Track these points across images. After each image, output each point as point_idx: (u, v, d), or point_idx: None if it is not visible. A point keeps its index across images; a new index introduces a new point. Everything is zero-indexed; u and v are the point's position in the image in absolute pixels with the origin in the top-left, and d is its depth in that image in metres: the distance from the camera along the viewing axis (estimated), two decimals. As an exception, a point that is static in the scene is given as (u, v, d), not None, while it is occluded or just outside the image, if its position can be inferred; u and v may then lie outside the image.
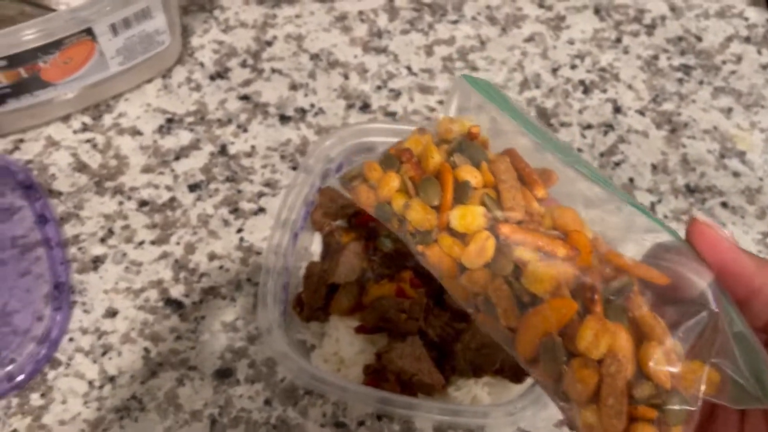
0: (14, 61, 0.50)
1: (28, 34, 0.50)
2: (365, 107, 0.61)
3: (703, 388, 0.22)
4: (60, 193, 0.55)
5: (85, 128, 0.59)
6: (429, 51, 0.65)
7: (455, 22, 0.67)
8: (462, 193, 0.26)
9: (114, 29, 0.53)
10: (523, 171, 0.27)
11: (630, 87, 0.64)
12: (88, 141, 0.58)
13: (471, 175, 0.26)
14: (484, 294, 0.25)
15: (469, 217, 0.25)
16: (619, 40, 0.67)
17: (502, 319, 0.24)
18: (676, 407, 0.22)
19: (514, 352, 0.25)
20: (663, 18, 0.69)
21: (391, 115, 0.60)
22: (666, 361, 0.22)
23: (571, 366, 0.23)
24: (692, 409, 0.22)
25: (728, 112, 0.62)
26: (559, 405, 0.24)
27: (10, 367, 0.48)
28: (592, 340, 0.22)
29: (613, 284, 0.23)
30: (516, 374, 0.46)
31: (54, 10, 0.60)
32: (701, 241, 0.24)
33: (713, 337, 0.23)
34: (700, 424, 0.23)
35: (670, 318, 0.23)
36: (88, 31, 0.51)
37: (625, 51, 0.66)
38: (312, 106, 0.61)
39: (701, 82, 0.64)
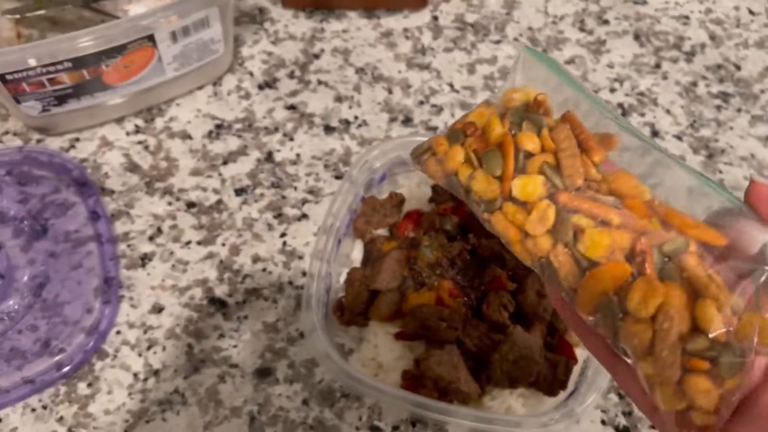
0: (79, 63, 0.53)
1: (92, 40, 0.52)
2: (407, 121, 0.63)
3: (755, 339, 0.23)
4: (112, 192, 0.57)
5: (137, 130, 0.61)
6: (471, 69, 0.66)
7: (497, 42, 0.69)
8: (522, 162, 0.27)
9: (174, 36, 0.55)
10: (582, 137, 0.28)
11: (668, 112, 0.65)
12: (140, 143, 0.60)
13: (531, 143, 0.28)
14: (546, 258, 0.26)
15: (530, 186, 0.27)
16: (658, 66, 0.68)
17: (564, 282, 0.26)
18: (729, 359, 0.23)
19: (576, 310, 0.26)
20: (702, 46, 0.70)
21: (433, 129, 0.62)
22: (720, 316, 0.24)
23: (626, 322, 0.24)
24: (745, 360, 0.23)
25: (765, 140, 0.63)
26: (621, 356, 0.26)
27: (59, 357, 0.49)
28: (641, 301, 0.24)
29: (666, 246, 0.25)
30: (550, 387, 0.46)
31: (113, 17, 0.62)
32: (758, 200, 0.25)
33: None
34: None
35: (729, 274, 0.24)
36: (150, 38, 0.54)
37: (664, 77, 0.67)
38: (356, 118, 0.62)
39: (739, 110, 0.65)
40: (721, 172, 0.61)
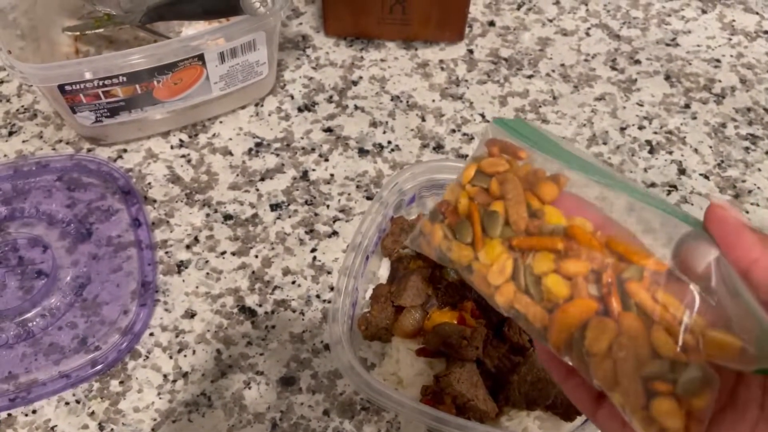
0: (133, 78, 0.56)
1: (140, 57, 0.55)
2: (438, 148, 0.65)
3: (703, 353, 0.25)
4: (154, 201, 0.60)
5: (181, 144, 0.64)
6: (503, 101, 0.69)
7: (530, 76, 0.71)
8: (489, 222, 0.30)
9: (222, 57, 0.58)
10: (532, 177, 0.30)
11: (696, 151, 0.66)
12: (183, 156, 0.63)
13: (485, 199, 0.30)
14: (513, 306, 0.28)
15: (491, 252, 0.29)
16: (687, 106, 0.69)
17: (534, 324, 0.28)
18: (687, 377, 0.25)
19: (552, 349, 0.28)
20: (732, 89, 0.71)
21: (463, 157, 0.64)
22: (669, 338, 0.25)
23: (591, 358, 0.26)
24: (703, 375, 0.24)
25: (793, 183, 0.64)
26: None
27: (94, 354, 0.52)
28: (594, 337, 0.26)
29: (624, 274, 0.27)
30: (567, 412, 0.47)
31: (165, 38, 0.66)
32: (711, 221, 0.26)
33: (717, 309, 0.25)
34: (728, 393, 0.26)
35: (680, 294, 0.26)
36: (200, 57, 0.57)
37: (693, 117, 0.68)
38: (389, 142, 0.65)
39: (768, 153, 0.66)
40: (747, 212, 0.62)
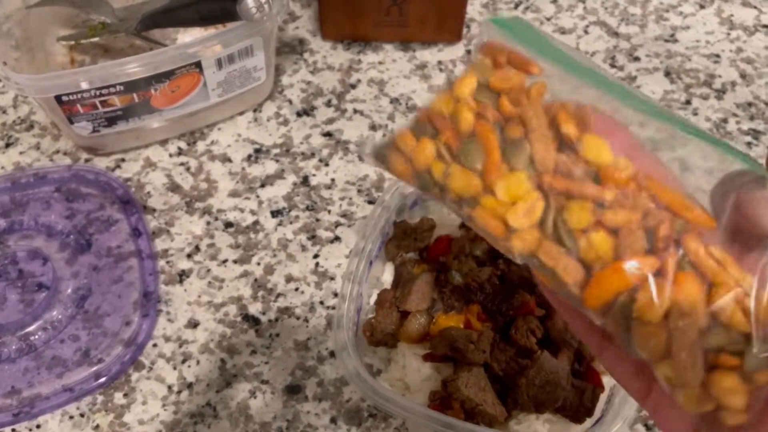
0: (130, 87, 0.55)
1: (137, 66, 0.55)
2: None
3: None
4: (154, 210, 0.60)
5: (180, 152, 0.63)
6: (503, 101, 0.68)
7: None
8: (513, 150, 0.24)
9: (219, 63, 0.58)
10: (553, 110, 0.25)
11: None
12: (182, 164, 0.63)
13: (497, 118, 0.25)
14: (537, 257, 0.24)
15: (515, 186, 0.24)
16: (688, 102, 0.69)
17: (564, 277, 0.23)
18: (757, 351, 0.21)
19: (582, 309, 0.24)
20: (733, 84, 0.71)
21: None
22: (738, 303, 0.22)
23: (637, 326, 0.22)
24: None
25: (797, 177, 0.63)
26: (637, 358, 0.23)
27: (97, 366, 0.51)
28: (647, 302, 0.22)
29: (664, 226, 0.23)
30: (577, 414, 0.47)
31: (162, 45, 0.66)
32: None
33: None
34: None
35: (744, 254, 0.22)
36: (197, 64, 0.56)
37: (695, 113, 0.68)
38: (389, 145, 0.64)
39: (770, 147, 0.65)
40: (751, 207, 0.61)
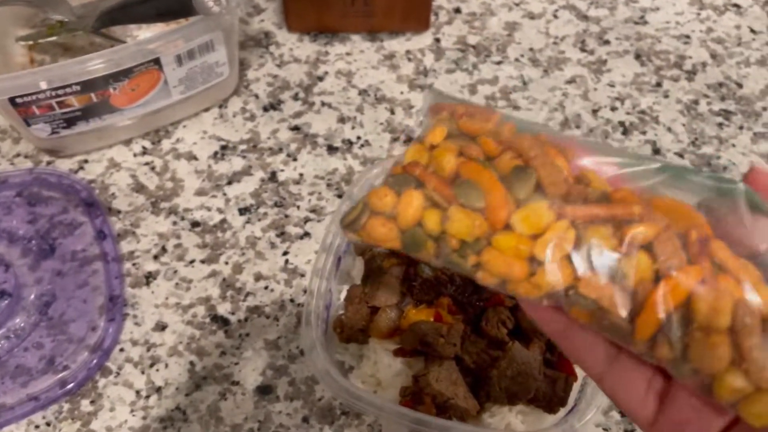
0: (87, 86, 0.54)
1: (100, 63, 0.54)
2: (409, 141, 0.63)
3: None
4: (119, 212, 0.58)
5: (144, 152, 0.62)
6: (473, 89, 0.67)
7: (499, 63, 0.70)
8: (518, 181, 0.23)
9: (179, 60, 0.56)
10: (543, 141, 0.24)
11: (669, 130, 0.65)
12: (147, 164, 0.61)
13: (480, 155, 0.24)
14: (575, 289, 0.22)
15: (533, 216, 0.22)
16: (659, 85, 0.68)
17: (613, 308, 0.22)
18: None
19: (629, 339, 0.22)
20: (703, 64, 0.70)
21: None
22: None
23: (696, 338, 0.21)
24: None
25: (768, 157, 0.63)
26: (688, 383, 0.22)
27: (63, 374, 0.50)
28: (711, 309, 0.21)
29: (694, 231, 0.22)
30: (550, 404, 0.46)
31: (122, 42, 0.64)
32: (757, 188, 0.23)
33: None
34: None
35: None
36: (156, 61, 0.55)
37: (665, 95, 0.67)
38: (358, 138, 0.63)
39: (741, 127, 0.65)
40: (723, 189, 0.61)
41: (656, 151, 0.63)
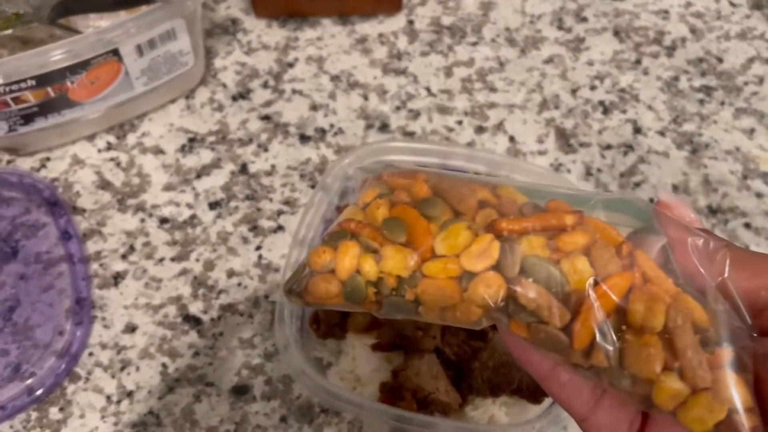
0: (43, 80, 0.52)
1: (56, 55, 0.51)
2: (384, 127, 0.61)
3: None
4: (84, 210, 0.56)
5: (109, 147, 0.60)
6: (448, 72, 0.65)
7: (474, 44, 0.68)
8: (429, 208, 0.25)
9: (139, 50, 0.54)
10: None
11: (650, 108, 0.63)
12: (111, 159, 0.59)
13: (407, 200, 0.26)
14: (514, 297, 0.23)
15: (452, 236, 0.23)
16: (638, 62, 0.67)
17: (552, 320, 0.22)
18: (746, 339, 0.21)
19: (567, 351, 0.23)
20: (683, 40, 0.69)
21: (410, 134, 0.61)
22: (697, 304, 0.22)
23: (630, 340, 0.22)
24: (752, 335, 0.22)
25: (750, 132, 0.62)
26: (626, 390, 0.23)
27: (30, 381, 0.48)
28: (646, 312, 0.22)
29: (625, 245, 0.23)
30: (534, 394, 0.45)
31: (81, 33, 0.61)
32: (658, 216, 0.24)
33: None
34: None
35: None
36: (115, 52, 0.53)
37: (645, 72, 0.66)
38: (332, 126, 0.61)
39: (722, 103, 0.64)
40: (705, 167, 0.60)
41: (637, 130, 0.62)
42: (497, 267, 0.23)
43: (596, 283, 0.22)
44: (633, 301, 0.22)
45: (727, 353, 0.21)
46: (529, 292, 0.22)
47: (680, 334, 0.21)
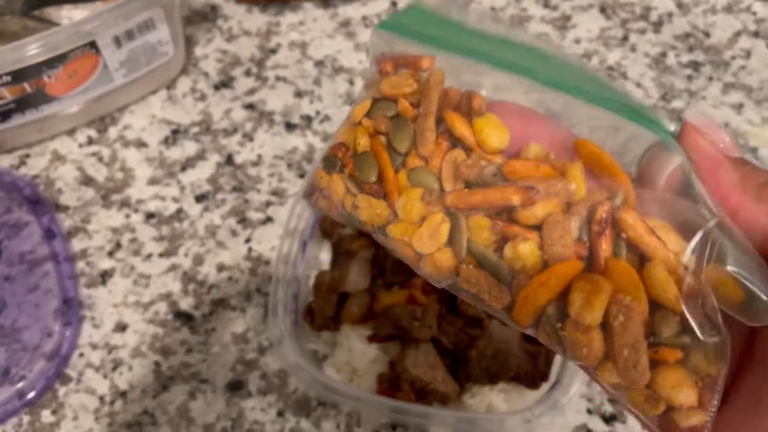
0: (19, 76, 0.50)
1: (32, 49, 0.50)
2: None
3: (713, 300, 0.20)
4: (67, 208, 0.55)
5: (90, 141, 0.58)
6: (434, 54, 0.64)
7: (460, 24, 0.66)
8: (397, 137, 0.23)
9: (117, 41, 0.52)
10: (443, 99, 0.23)
11: (638, 85, 0.63)
12: (93, 154, 0.58)
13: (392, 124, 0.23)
14: (454, 279, 0.22)
15: (408, 203, 0.22)
16: (626, 39, 0.66)
17: (492, 303, 0.21)
18: (702, 339, 0.19)
19: (511, 323, 0.22)
20: (670, 15, 0.68)
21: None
22: (674, 282, 0.19)
23: (568, 331, 0.20)
24: (719, 337, 0.20)
25: (739, 107, 0.61)
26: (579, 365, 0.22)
27: (20, 384, 0.47)
28: (583, 304, 0.20)
29: (601, 208, 0.20)
30: (532, 380, 0.45)
31: (57, 25, 0.59)
32: (686, 149, 0.21)
33: (722, 247, 0.20)
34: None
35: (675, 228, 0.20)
36: (92, 44, 0.51)
37: (633, 49, 0.65)
38: (318, 113, 0.60)
39: (711, 78, 0.63)
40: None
41: (626, 108, 0.61)
42: (449, 243, 0.22)
43: (542, 267, 0.21)
44: (573, 290, 0.20)
45: (674, 354, 0.20)
46: (470, 277, 0.21)
47: (619, 333, 0.20)
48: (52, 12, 0.61)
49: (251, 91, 0.61)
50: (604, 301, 0.20)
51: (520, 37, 0.24)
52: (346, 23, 0.66)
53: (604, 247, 0.20)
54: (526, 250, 0.20)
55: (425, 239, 0.22)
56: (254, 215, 0.55)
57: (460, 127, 0.22)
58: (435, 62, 0.24)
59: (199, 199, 0.55)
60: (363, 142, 0.23)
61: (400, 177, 0.23)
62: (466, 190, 0.22)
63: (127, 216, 0.54)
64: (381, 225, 0.23)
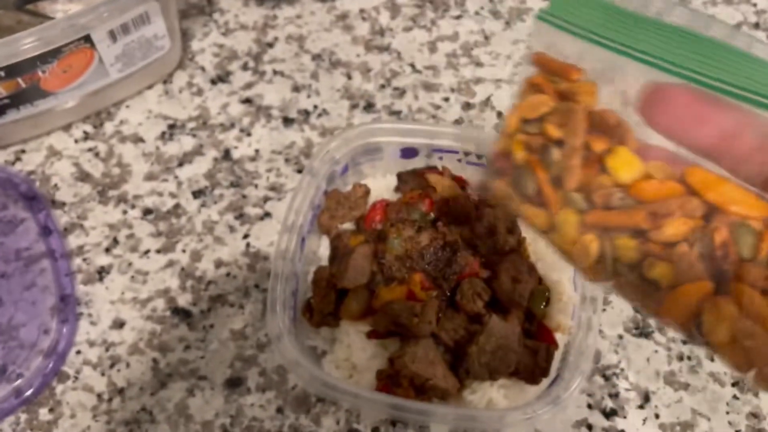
0: (12, 71, 0.49)
1: (26, 43, 0.49)
2: (369, 107, 0.60)
3: None
4: (63, 204, 0.54)
5: (86, 137, 0.58)
6: (432, 47, 0.64)
7: (458, 17, 0.66)
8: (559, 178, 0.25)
9: (113, 35, 0.52)
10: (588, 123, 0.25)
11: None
12: (89, 150, 0.57)
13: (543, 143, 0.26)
14: (609, 288, 0.25)
15: (567, 226, 0.25)
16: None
17: (643, 309, 0.24)
18: None
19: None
20: (670, 6, 0.67)
21: (396, 113, 0.59)
22: None
23: (713, 346, 0.22)
24: None
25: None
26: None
27: (17, 382, 0.47)
28: (711, 326, 0.22)
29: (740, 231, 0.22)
30: (532, 375, 0.45)
31: (51, 19, 0.59)
32: None
33: None
34: None
35: None
36: (87, 39, 0.51)
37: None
38: (315, 107, 0.60)
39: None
40: None
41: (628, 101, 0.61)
42: (599, 260, 0.24)
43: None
44: (704, 312, 0.22)
45: None
46: (620, 288, 0.24)
47: (752, 352, 0.21)
48: (46, 6, 0.60)
49: (248, 86, 0.61)
50: (729, 326, 0.21)
51: (713, 30, 0.23)
52: (343, 16, 0.66)
53: (729, 271, 0.22)
54: (656, 272, 0.23)
55: (578, 255, 0.24)
56: (252, 211, 0.54)
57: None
58: (594, 64, 0.25)
59: (197, 194, 0.55)
60: (519, 157, 0.25)
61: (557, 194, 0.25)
62: (604, 212, 0.24)
63: (124, 212, 0.54)
64: (544, 231, 0.25)
